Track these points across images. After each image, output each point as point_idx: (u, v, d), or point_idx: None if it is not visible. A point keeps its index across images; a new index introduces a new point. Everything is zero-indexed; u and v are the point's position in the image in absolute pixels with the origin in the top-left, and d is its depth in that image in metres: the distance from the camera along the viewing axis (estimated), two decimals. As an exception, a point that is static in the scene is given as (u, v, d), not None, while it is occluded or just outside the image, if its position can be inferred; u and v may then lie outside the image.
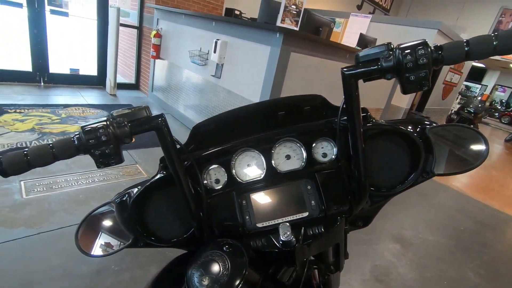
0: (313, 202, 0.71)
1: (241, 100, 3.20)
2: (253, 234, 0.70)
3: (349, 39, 5.50)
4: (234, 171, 0.73)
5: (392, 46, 0.53)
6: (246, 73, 3.11)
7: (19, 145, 2.68)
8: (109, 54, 4.67)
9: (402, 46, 0.51)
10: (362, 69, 0.55)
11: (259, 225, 0.70)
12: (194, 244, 0.74)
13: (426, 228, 2.92)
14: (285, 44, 2.66)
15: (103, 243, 0.70)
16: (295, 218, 0.70)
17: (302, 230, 0.70)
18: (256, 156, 0.75)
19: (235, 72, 3.25)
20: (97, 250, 0.68)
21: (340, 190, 0.73)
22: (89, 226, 0.70)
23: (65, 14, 4.50)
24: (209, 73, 3.58)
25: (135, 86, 5.54)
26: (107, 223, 0.72)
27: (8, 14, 4.53)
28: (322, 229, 0.70)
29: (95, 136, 0.51)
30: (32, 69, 4.42)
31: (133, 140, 0.57)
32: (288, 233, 0.63)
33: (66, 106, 3.94)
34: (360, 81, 0.58)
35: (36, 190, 2.19)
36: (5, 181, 2.18)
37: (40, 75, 4.50)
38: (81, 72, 5.03)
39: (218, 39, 3.28)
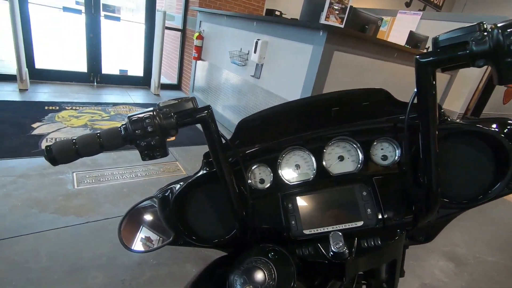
0: (369, 210, 0.63)
1: (280, 100, 3.14)
2: (299, 241, 0.64)
3: (396, 38, 5.17)
4: (280, 171, 0.68)
5: (485, 26, 0.43)
6: (286, 74, 3.05)
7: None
8: (154, 56, 4.91)
9: (502, 24, 0.41)
10: (444, 56, 0.46)
11: (306, 231, 0.64)
12: (235, 246, 0.70)
13: (484, 246, 2.59)
14: (329, 42, 2.55)
15: (144, 238, 0.68)
16: (347, 227, 0.63)
17: (356, 242, 0.62)
18: (306, 156, 0.68)
19: (275, 72, 3.20)
20: (137, 245, 0.67)
21: (402, 199, 0.64)
22: (132, 220, 0.70)
23: (117, 19, 4.83)
24: (248, 73, 3.58)
25: (177, 87, 5.77)
26: (149, 218, 0.70)
27: (69, 20, 4.98)
28: (379, 242, 0.62)
29: (141, 126, 0.49)
30: (87, 70, 4.81)
31: (177, 133, 0.54)
32: (340, 244, 0.56)
33: (115, 104, 4.21)
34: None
35: (86, 181, 2.34)
36: (59, 172, 2.36)
37: (93, 75, 4.88)
38: (129, 73, 5.35)
39: (258, 39, 3.26)
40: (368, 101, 0.64)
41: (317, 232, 0.64)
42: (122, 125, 0.51)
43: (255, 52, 3.33)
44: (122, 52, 6.15)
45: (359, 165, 0.66)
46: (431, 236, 0.76)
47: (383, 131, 0.65)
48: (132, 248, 0.66)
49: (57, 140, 2.86)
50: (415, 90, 0.52)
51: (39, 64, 4.43)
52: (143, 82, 5.34)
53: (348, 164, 0.67)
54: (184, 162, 2.98)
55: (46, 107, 3.60)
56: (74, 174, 2.40)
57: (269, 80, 3.31)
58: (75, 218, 1.93)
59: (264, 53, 3.29)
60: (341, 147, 0.68)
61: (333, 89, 2.94)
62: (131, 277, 1.59)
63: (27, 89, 4.04)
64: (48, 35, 4.41)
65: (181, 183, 0.70)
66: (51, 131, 3.02)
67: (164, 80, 5.94)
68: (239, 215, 0.63)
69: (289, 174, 0.69)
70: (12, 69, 4.07)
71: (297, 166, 0.69)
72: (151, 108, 0.51)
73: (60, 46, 4.68)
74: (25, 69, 3.95)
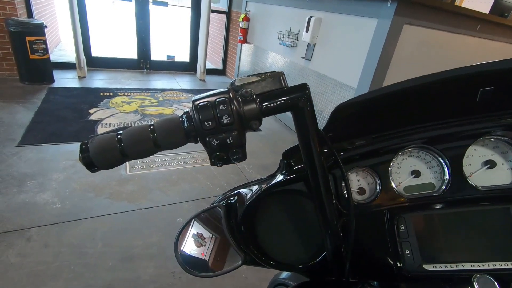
0: None
1: (335, 84, 2.84)
2: (416, 279, 0.45)
3: (474, 5, 4.39)
4: (391, 178, 0.48)
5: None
6: (342, 54, 2.73)
7: (125, 125, 2.97)
8: (200, 40, 4.85)
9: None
10: None
11: (428, 267, 0.45)
12: (324, 272, 0.53)
13: None
14: (398, 14, 2.17)
15: (206, 258, 0.54)
16: (498, 267, 0.42)
17: None
18: (431, 157, 0.47)
19: (329, 53, 2.90)
20: (198, 266, 0.53)
21: None
22: (191, 234, 0.56)
23: (165, 4, 4.82)
24: (298, 55, 3.31)
25: (221, 72, 5.69)
26: (212, 232, 0.56)
27: (120, 8, 5.12)
28: None
29: (213, 115, 0.32)
30: (137, 57, 4.93)
31: (261, 124, 0.37)
32: None
33: (163, 90, 4.27)
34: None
35: (137, 167, 2.36)
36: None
37: (143, 62, 5.00)
38: (176, 59, 5.40)
39: (311, 16, 2.96)
40: None
41: (446, 269, 0.44)
42: (185, 113, 0.35)
43: (307, 31, 3.04)
44: (170, 38, 6.23)
45: None
46: None
47: None
48: (193, 270, 0.52)
49: (113, 125, 2.94)
50: None
51: (95, 52, 4.65)
52: (189, 67, 5.36)
53: (503, 173, 0.45)
54: (231, 149, 2.88)
55: (101, 93, 3.76)
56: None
57: (322, 61, 3.01)
58: (127, 204, 1.94)
59: (317, 31, 2.99)
60: (490, 148, 0.45)
61: (400, 71, 2.56)
62: (181, 271, 1.53)
63: (85, 76, 4.27)
64: (102, 24, 4.59)
65: (252, 188, 0.54)
66: (106, 116, 3.13)
67: (209, 65, 5.89)
68: (334, 235, 0.45)
69: (402, 183, 0.48)
70: (72, 58, 4.31)
71: (416, 173, 0.48)
72: (225, 88, 0.35)
73: (113, 34, 4.86)
74: (83, 57, 4.16)
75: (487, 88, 0.44)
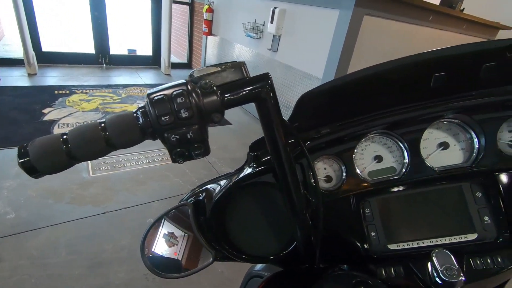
0: (486, 218, 0.45)
1: (302, 75, 2.88)
2: (381, 259, 0.47)
3: None
4: (356, 164, 0.49)
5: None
6: (307, 45, 2.77)
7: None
8: (163, 33, 4.65)
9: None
10: None
11: (392, 246, 0.47)
12: (295, 261, 0.53)
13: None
14: (358, 5, 2.24)
15: (176, 258, 0.52)
16: (453, 241, 0.45)
17: (465, 261, 0.44)
18: (391, 142, 0.49)
19: (295, 44, 2.92)
20: (167, 268, 0.51)
21: None
22: (158, 234, 0.53)
23: (122, -6, 4.55)
24: (264, 46, 3.31)
25: (187, 65, 5.52)
26: (181, 231, 0.54)
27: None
28: (500, 262, 0.44)
29: (170, 109, 0.30)
30: (95, 51, 4.62)
31: (223, 117, 0.36)
32: (453, 268, 0.39)
33: (125, 86, 4.05)
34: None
35: (101, 168, 2.23)
36: (74, 159, 2.25)
37: (102, 57, 4.69)
38: (138, 53, 5.14)
39: (275, 7, 2.96)
40: (495, 60, 0.43)
41: (409, 247, 0.46)
42: (140, 108, 0.33)
43: (271, 22, 3.03)
44: (130, 31, 5.90)
45: (474, 156, 0.46)
46: None
47: None
48: (161, 271, 0.50)
49: (71, 125, 2.74)
50: None
51: (46, 47, 4.27)
52: (152, 61, 5.13)
53: (455, 154, 0.48)
54: (201, 144, 2.82)
55: (56, 92, 3.47)
56: (89, 161, 2.29)
57: (288, 53, 3.03)
58: (92, 208, 1.83)
59: (281, 23, 3.00)
60: (444, 130, 0.48)
61: (363, 60, 2.65)
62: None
63: (35, 74, 3.92)
64: (52, 16, 4.21)
65: (220, 183, 0.52)
66: (63, 116, 2.90)
67: (174, 58, 5.69)
68: (303, 225, 0.46)
69: (366, 168, 0.50)
70: (19, 53, 3.92)
71: (378, 158, 0.50)
72: (182, 80, 0.33)
73: (66, 27, 4.49)
74: (32, 52, 3.80)
75: (440, 74, 0.46)
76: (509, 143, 0.45)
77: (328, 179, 0.51)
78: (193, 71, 0.35)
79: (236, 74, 0.35)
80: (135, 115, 0.32)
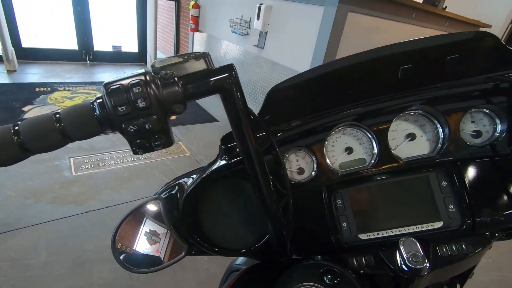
0: (451, 206, 0.46)
1: (288, 72, 2.89)
2: (352, 249, 0.47)
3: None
4: (327, 156, 0.50)
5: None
6: (293, 41, 2.77)
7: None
8: (148, 29, 4.57)
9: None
10: None
11: (362, 236, 0.48)
12: (269, 254, 0.54)
13: None
14: (343, 2, 2.26)
15: (147, 253, 0.52)
16: (420, 229, 0.46)
17: (431, 248, 0.45)
18: (361, 135, 0.50)
19: (281, 40, 2.92)
20: (138, 262, 0.51)
21: (502, 190, 0.46)
22: (129, 229, 0.53)
23: (105, -11, 4.44)
24: (251, 43, 3.29)
25: (174, 62, 5.45)
26: (153, 225, 0.53)
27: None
28: (464, 248, 0.46)
29: (126, 99, 0.30)
30: (78, 48, 4.50)
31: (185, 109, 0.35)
32: (418, 255, 0.40)
33: (110, 83, 3.97)
34: None
35: (84, 167, 2.18)
36: (55, 158, 2.20)
37: (85, 53, 4.58)
38: (123, 49, 5.03)
39: (261, 4, 2.95)
40: (458, 52, 0.44)
41: (378, 237, 0.47)
42: (97, 99, 0.32)
43: (258, 18, 3.02)
44: (114, 27, 5.78)
45: (439, 146, 0.47)
46: None
47: (477, 97, 0.46)
48: (131, 266, 0.50)
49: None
50: None
51: (26, 43, 4.13)
52: (138, 58, 5.04)
53: (422, 144, 0.49)
54: (188, 142, 2.80)
55: (37, 89, 3.37)
56: (71, 159, 2.24)
57: (274, 49, 3.03)
58: (74, 208, 1.79)
59: (268, 19, 2.99)
60: (411, 122, 0.49)
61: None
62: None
63: (15, 70, 3.79)
64: (32, 11, 4.08)
65: (193, 176, 0.52)
66: (44, 114, 2.82)
67: (160, 55, 5.60)
68: (274, 217, 0.46)
69: (337, 160, 0.50)
70: (-3, 49, 3.78)
71: (349, 150, 0.50)
72: (142, 70, 0.32)
73: (47, 22, 4.35)
74: (10, 48, 3.67)
75: (406, 66, 0.47)
76: (472, 133, 0.46)
77: (300, 171, 0.51)
78: (155, 62, 0.34)
79: (199, 65, 0.35)
80: (91, 106, 0.31)
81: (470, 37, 0.43)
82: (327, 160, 0.50)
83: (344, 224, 0.48)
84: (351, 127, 0.49)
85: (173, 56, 0.35)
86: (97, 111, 0.31)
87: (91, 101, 0.32)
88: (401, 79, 0.48)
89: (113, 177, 2.12)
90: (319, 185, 0.50)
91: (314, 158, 0.50)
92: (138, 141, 0.32)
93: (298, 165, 0.51)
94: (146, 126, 0.31)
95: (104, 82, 0.31)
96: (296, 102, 0.50)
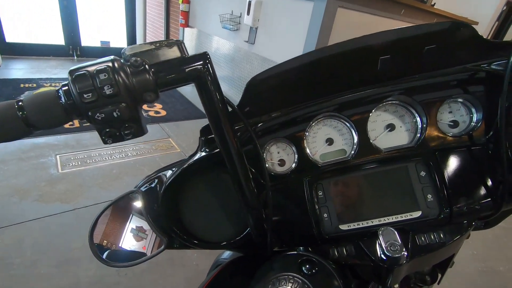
0: (429, 196, 0.47)
1: (278, 67, 2.88)
2: (334, 240, 0.48)
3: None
4: (307, 148, 0.49)
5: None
6: (284, 37, 2.76)
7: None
8: (137, 25, 4.50)
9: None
10: None
11: (343, 227, 0.48)
12: (251, 246, 0.54)
13: None
14: (332, -3, 2.26)
15: (125, 246, 0.51)
16: (400, 219, 0.47)
17: (410, 238, 0.46)
18: (341, 126, 0.50)
19: (271, 36, 2.91)
20: (116, 256, 0.50)
21: (477, 179, 0.46)
22: (108, 222, 0.52)
23: (92, -17, 4.34)
24: (241, 38, 3.27)
25: (164, 58, 5.38)
26: (132, 218, 0.52)
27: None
28: (442, 237, 0.46)
29: (93, 86, 0.29)
30: (65, 43, 4.40)
31: (159, 98, 0.34)
32: (397, 244, 0.40)
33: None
34: None
35: (71, 164, 2.14)
36: (40, 155, 2.15)
37: (72, 48, 4.48)
38: (112, 45, 4.94)
39: (251, -1, 2.93)
40: (435, 43, 0.44)
41: (358, 227, 0.48)
42: (63, 86, 0.31)
43: (248, 14, 3.00)
44: (103, 22, 5.68)
45: (417, 136, 0.47)
46: (494, 222, 0.60)
47: (454, 86, 0.46)
48: (109, 260, 0.49)
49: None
50: None
51: (10, 37, 4.02)
52: (127, 54, 4.95)
53: (401, 135, 0.49)
54: (178, 138, 2.78)
55: (22, 85, 3.29)
56: (58, 156, 2.20)
57: (265, 45, 3.02)
58: (61, 205, 1.76)
59: (258, 14, 2.97)
60: (391, 112, 0.49)
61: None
62: (127, 268, 1.46)
63: (-1, 66, 3.68)
64: (16, 5, 3.96)
65: (174, 169, 0.51)
66: (29, 110, 2.75)
67: (151, 51, 5.52)
68: (254, 210, 0.46)
69: (318, 151, 0.50)
70: (-20, 44, 3.67)
71: (329, 141, 0.50)
72: (110, 57, 0.31)
73: (32, 17, 4.24)
74: (-7, 43, 3.57)
75: (385, 57, 0.47)
76: (449, 123, 0.47)
77: (282, 163, 0.51)
78: (125, 49, 0.33)
79: (172, 53, 0.34)
80: (57, 93, 0.30)
81: (446, 27, 0.43)
82: (308, 152, 0.49)
83: (325, 215, 0.48)
84: (331, 118, 0.49)
85: (145, 43, 0.34)
86: (63, 98, 0.30)
87: (57, 88, 0.31)
88: (381, 70, 0.48)
89: (101, 174, 2.09)
90: (300, 177, 0.50)
91: (294, 150, 0.50)
92: (107, 130, 0.32)
93: (279, 156, 0.51)
94: (114, 114, 0.30)
95: (70, 69, 0.30)
96: (276, 94, 0.50)
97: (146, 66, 0.32)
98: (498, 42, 0.44)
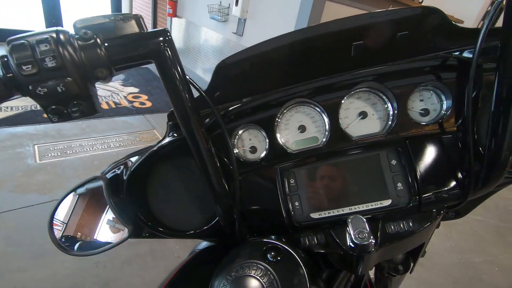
0: (399, 184, 0.47)
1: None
2: (305, 228, 0.47)
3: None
4: (279, 134, 0.48)
5: None
6: (272, 30, 2.73)
7: (33, 108, 2.57)
8: (123, 12, 4.37)
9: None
10: None
11: (314, 215, 0.48)
12: (222, 235, 0.53)
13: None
14: (320, -10, 2.24)
15: (88, 234, 0.49)
16: (370, 207, 0.47)
17: (380, 226, 0.46)
18: (314, 113, 0.49)
19: (260, 28, 2.88)
20: (79, 245, 0.48)
21: (446, 168, 0.46)
22: (70, 209, 0.49)
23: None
24: (230, 30, 3.22)
25: (152, 49, 5.26)
26: (94, 205, 0.50)
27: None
28: (411, 226, 0.46)
29: (33, 57, 0.27)
30: (46, 29, 4.23)
31: (114, 75, 0.32)
32: (365, 232, 0.40)
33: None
34: None
35: (50, 155, 2.08)
36: (18, 145, 2.07)
37: (54, 36, 4.31)
38: (96, 33, 4.79)
39: (240, -11, 2.88)
40: (407, 29, 0.44)
41: (329, 215, 0.47)
42: (1, 57, 0.28)
43: (236, 5, 2.95)
44: (86, 10, 5.48)
45: (389, 124, 0.47)
46: (464, 211, 0.61)
47: (425, 74, 0.46)
48: (69, 248, 0.47)
49: (16, 108, 2.51)
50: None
51: (-13, 22, 3.83)
52: (113, 43, 4.81)
53: (373, 123, 0.48)
54: (163, 130, 2.72)
55: None
56: (36, 146, 2.12)
57: (254, 37, 2.98)
58: (38, 197, 1.71)
59: (247, 6, 2.92)
60: (363, 100, 0.48)
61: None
62: (107, 259, 1.43)
63: (-25, 52, 3.51)
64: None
65: (139, 156, 0.49)
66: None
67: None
68: (222, 198, 0.45)
69: (290, 138, 0.49)
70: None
71: (302, 128, 0.49)
72: (54, 28, 0.29)
73: (11, 1, 4.05)
74: (-31, 28, 3.39)
75: (358, 42, 0.46)
76: (420, 111, 0.46)
77: (253, 150, 0.50)
78: (76, 21, 0.31)
79: (130, 28, 0.32)
80: None
81: (418, 12, 0.42)
82: (280, 139, 0.48)
83: (297, 203, 0.48)
84: (304, 105, 0.48)
85: (99, 16, 0.32)
86: (1, 71, 0.28)
87: None
88: (355, 57, 0.47)
89: (82, 165, 2.03)
90: (272, 164, 0.49)
91: (266, 136, 0.48)
92: (53, 107, 0.29)
93: (251, 143, 0.50)
94: (58, 89, 0.28)
95: (8, 39, 0.28)
96: (247, 79, 0.48)
97: (98, 40, 0.30)
98: (467, 29, 0.44)
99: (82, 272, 1.35)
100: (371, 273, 0.70)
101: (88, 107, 0.31)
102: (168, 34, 0.33)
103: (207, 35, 3.72)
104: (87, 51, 0.29)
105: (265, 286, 0.35)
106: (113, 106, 2.92)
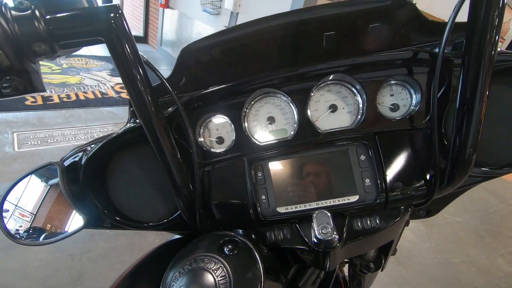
0: (367, 180, 0.46)
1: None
2: (271, 223, 0.46)
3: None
4: (246, 125, 0.47)
5: None
6: (264, 24, 2.71)
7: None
8: (114, 2, 4.26)
9: None
10: None
11: (281, 209, 0.46)
12: (184, 228, 0.51)
13: (453, 208, 2.66)
14: (313, -14, 2.23)
15: (40, 223, 0.47)
16: (337, 203, 0.45)
17: (347, 222, 0.45)
18: (283, 104, 0.47)
19: (252, 22, 2.85)
20: (29, 234, 0.45)
21: (413, 165, 0.46)
22: (21, 197, 0.47)
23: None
24: (221, 23, 3.18)
25: (143, 39, 5.17)
26: (48, 193, 0.48)
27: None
28: (378, 223, 0.45)
29: None
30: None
31: (58, 52, 0.30)
32: (328, 228, 0.39)
33: (68, 56, 3.68)
34: None
35: (30, 143, 2.01)
36: (-5, 132, 2.01)
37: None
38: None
39: (233, -18, 2.84)
40: (379, 21, 0.42)
41: (296, 210, 0.46)
42: None
43: (229, -3, 2.91)
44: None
45: (358, 118, 0.46)
46: (435, 210, 0.61)
47: (395, 67, 0.45)
48: (19, 238, 0.44)
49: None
50: None
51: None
52: (103, 32, 4.70)
53: (343, 116, 0.47)
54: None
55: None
56: (15, 134, 2.05)
57: (245, 32, 2.95)
58: (13, 186, 1.65)
59: (239, -1, 2.89)
60: (334, 93, 0.47)
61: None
62: (82, 251, 1.40)
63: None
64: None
65: (96, 144, 0.47)
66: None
67: (129, 31, 5.27)
68: (182, 190, 0.43)
69: (259, 130, 0.48)
70: None
71: (271, 119, 0.48)
72: None
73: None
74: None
75: (330, 33, 0.44)
76: (390, 106, 0.45)
77: (220, 140, 0.48)
78: None
79: (78, 3, 0.30)
80: None
81: (389, 3, 0.41)
82: (248, 130, 0.47)
83: (263, 197, 0.46)
84: (273, 96, 0.47)
85: None
86: None
87: None
88: (328, 49, 0.45)
89: (62, 155, 1.98)
90: (239, 156, 0.47)
91: (233, 127, 0.47)
92: None
93: (218, 134, 0.48)
94: None
95: None
96: (214, 66, 0.46)
97: (36, 11, 0.27)
98: (437, 23, 0.43)
99: (55, 264, 1.32)
100: (346, 271, 0.70)
101: (23, 84, 0.28)
102: (119, 10, 0.31)
103: (200, 28, 3.67)
104: (22, 23, 0.27)
105: (217, 280, 0.34)
106: (100, 96, 2.86)
